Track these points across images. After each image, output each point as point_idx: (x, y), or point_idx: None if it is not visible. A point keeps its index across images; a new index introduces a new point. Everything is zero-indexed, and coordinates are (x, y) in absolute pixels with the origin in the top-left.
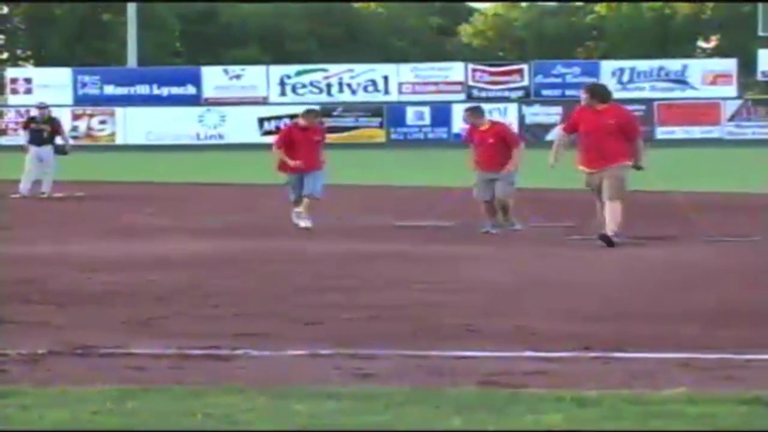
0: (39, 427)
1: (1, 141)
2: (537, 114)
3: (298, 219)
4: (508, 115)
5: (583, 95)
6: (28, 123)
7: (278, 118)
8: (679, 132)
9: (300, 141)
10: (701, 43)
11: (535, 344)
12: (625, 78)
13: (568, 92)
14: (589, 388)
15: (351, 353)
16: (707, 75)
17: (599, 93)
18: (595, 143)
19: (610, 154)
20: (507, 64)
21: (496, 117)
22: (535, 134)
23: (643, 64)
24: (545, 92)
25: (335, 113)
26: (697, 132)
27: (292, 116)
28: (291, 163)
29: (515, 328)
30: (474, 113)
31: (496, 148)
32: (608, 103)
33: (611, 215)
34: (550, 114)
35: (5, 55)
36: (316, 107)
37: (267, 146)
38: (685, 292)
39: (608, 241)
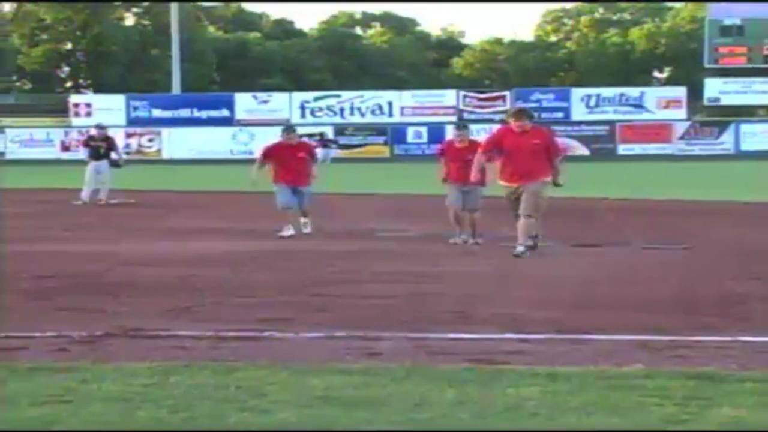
0: (96, 397)
1: (65, 156)
2: None
3: (303, 226)
4: None
5: (519, 120)
6: (88, 141)
7: (299, 137)
8: (637, 149)
9: (287, 157)
10: (656, 74)
11: (515, 328)
12: (592, 103)
13: (543, 115)
14: (561, 365)
15: (359, 335)
16: (661, 100)
17: (530, 115)
18: (521, 161)
19: (533, 171)
20: (492, 92)
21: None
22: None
23: (607, 91)
24: None
25: (347, 132)
26: (652, 148)
27: (310, 135)
28: (252, 176)
29: (498, 315)
30: (459, 128)
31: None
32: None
33: (524, 230)
34: None
35: (69, 84)
36: (292, 125)
37: None
38: (637, 285)
39: (518, 255)
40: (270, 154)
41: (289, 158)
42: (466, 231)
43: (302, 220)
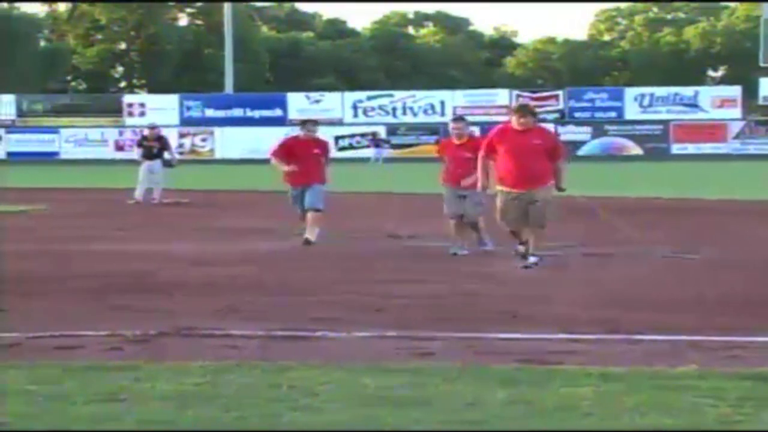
0: (151, 396)
1: (119, 155)
2: (570, 132)
3: (307, 232)
4: None
5: (523, 117)
6: (141, 141)
7: (351, 136)
8: (691, 148)
9: (300, 153)
10: (711, 73)
11: (566, 328)
12: (646, 102)
13: (596, 114)
14: (614, 365)
15: (411, 335)
16: (716, 100)
17: (533, 113)
18: (522, 162)
19: (537, 175)
20: (545, 91)
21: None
22: (568, 149)
23: (661, 90)
24: (577, 114)
25: (399, 132)
26: (707, 148)
27: (362, 135)
28: (285, 168)
29: (549, 315)
30: (457, 122)
31: (472, 163)
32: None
33: (536, 240)
34: (582, 132)
35: (123, 84)
36: (314, 118)
37: (342, 161)
38: (686, 285)
39: (528, 266)
40: (284, 148)
41: (304, 155)
42: (473, 240)
43: (308, 221)
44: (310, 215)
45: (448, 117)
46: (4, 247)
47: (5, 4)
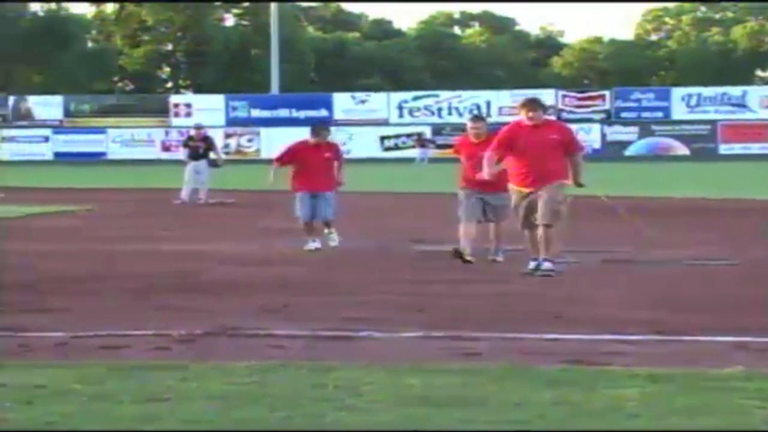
0: (196, 396)
1: (165, 156)
2: (616, 133)
3: (328, 238)
4: (592, 134)
5: (531, 111)
6: (187, 141)
7: (397, 136)
8: (738, 148)
9: (310, 159)
10: (759, 73)
11: (612, 328)
12: (693, 102)
13: (643, 115)
14: (660, 366)
15: (457, 335)
16: (764, 100)
17: (543, 106)
18: (536, 160)
19: (550, 172)
20: (591, 91)
21: (582, 136)
22: (614, 149)
23: (708, 90)
24: (624, 114)
25: (444, 132)
26: (755, 148)
27: (408, 135)
28: (270, 179)
29: (595, 315)
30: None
31: None
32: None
33: (546, 242)
34: (628, 132)
35: (170, 84)
36: (326, 125)
37: (388, 161)
38: (732, 286)
39: (547, 273)
40: (291, 154)
41: (313, 160)
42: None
43: (326, 230)
44: (324, 224)
45: (494, 117)
46: (51, 247)
47: (53, 5)
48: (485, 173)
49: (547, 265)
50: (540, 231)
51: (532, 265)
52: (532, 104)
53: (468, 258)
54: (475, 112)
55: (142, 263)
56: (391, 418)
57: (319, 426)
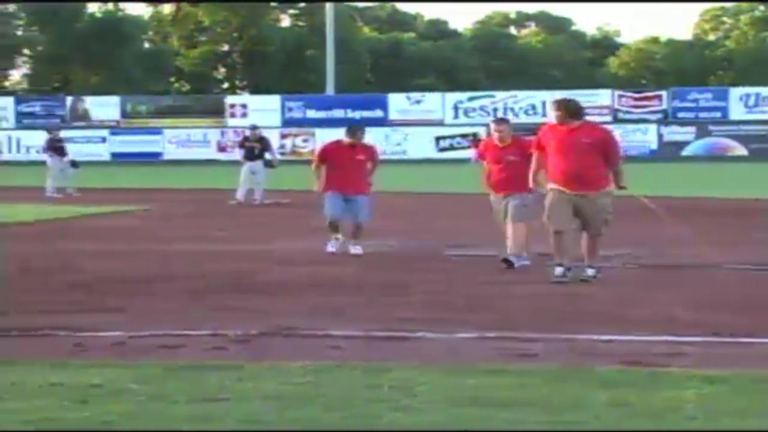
0: (252, 396)
1: (221, 156)
2: (674, 133)
3: (347, 246)
4: (648, 134)
5: (557, 112)
6: (243, 141)
7: (452, 137)
8: None
9: (343, 160)
10: None
11: (669, 330)
12: (751, 102)
13: (700, 115)
14: (718, 368)
15: (512, 336)
16: None
17: (570, 108)
18: (573, 162)
19: (591, 177)
20: (648, 91)
21: (639, 137)
22: (671, 150)
23: (767, 90)
24: (681, 115)
25: None
26: None
27: (463, 135)
28: (315, 188)
29: (651, 316)
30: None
31: (518, 167)
32: (582, 120)
33: (593, 250)
34: (685, 133)
35: (226, 85)
36: (361, 125)
37: (443, 161)
38: None
39: (586, 279)
40: (324, 155)
41: (346, 161)
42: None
43: (352, 240)
44: (352, 228)
45: (550, 117)
46: (108, 247)
47: (110, 5)
48: (531, 183)
49: (590, 271)
50: (585, 239)
51: (558, 271)
52: (556, 105)
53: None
54: (500, 115)
55: (198, 263)
56: (445, 419)
57: (374, 426)
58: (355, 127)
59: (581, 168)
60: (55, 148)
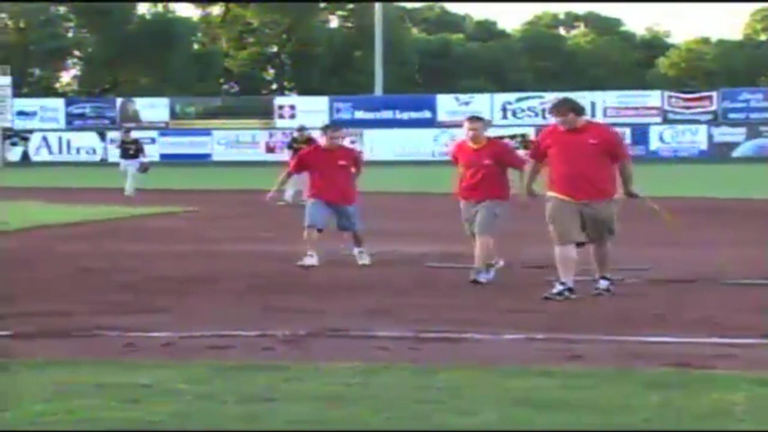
0: (298, 396)
1: (270, 157)
2: (724, 134)
3: (359, 257)
4: (698, 135)
5: (560, 114)
6: (292, 142)
7: (500, 138)
8: None
9: (322, 165)
10: None
11: (718, 331)
12: None
13: (751, 116)
14: None
15: (560, 338)
16: None
17: (575, 108)
18: (576, 166)
19: (595, 183)
20: (698, 92)
21: (689, 137)
22: (721, 151)
23: None
24: (731, 115)
25: None
26: None
27: (512, 136)
28: (273, 189)
29: (700, 318)
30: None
31: (493, 172)
32: (584, 119)
33: (601, 259)
34: (736, 134)
35: (274, 86)
36: (338, 122)
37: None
38: None
39: (601, 292)
40: (303, 161)
41: (327, 167)
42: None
43: (356, 249)
44: (353, 237)
45: (599, 118)
46: (157, 248)
47: (160, 7)
48: (522, 187)
49: (603, 282)
50: (594, 250)
51: (556, 288)
52: (559, 107)
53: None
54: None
55: (245, 264)
56: (494, 420)
57: (423, 427)
58: (331, 128)
59: (588, 172)
60: (123, 149)
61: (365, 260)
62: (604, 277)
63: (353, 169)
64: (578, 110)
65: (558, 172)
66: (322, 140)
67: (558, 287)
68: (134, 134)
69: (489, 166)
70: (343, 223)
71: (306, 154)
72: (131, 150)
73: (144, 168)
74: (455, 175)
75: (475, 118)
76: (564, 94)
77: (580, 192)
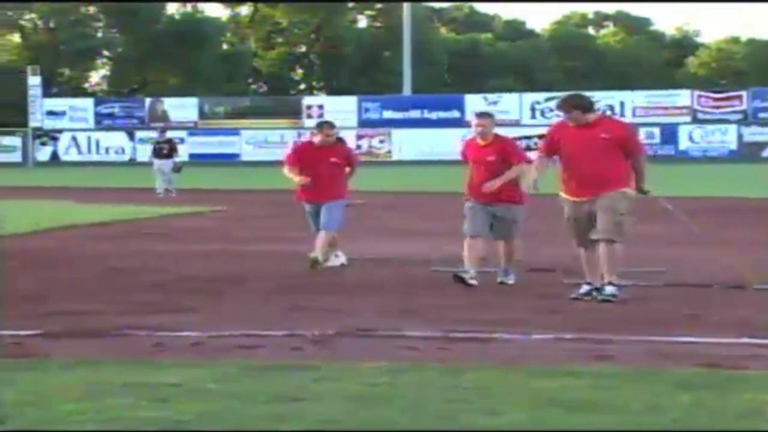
0: (329, 396)
1: None
2: (754, 134)
3: (335, 259)
4: (728, 135)
5: (566, 111)
6: None
7: (528, 137)
8: None
9: (313, 162)
10: None
11: (749, 332)
12: None
13: None
14: None
15: (589, 338)
16: None
17: (582, 104)
18: (586, 164)
19: (607, 178)
20: (728, 91)
21: (718, 137)
22: (751, 150)
23: None
24: (762, 115)
25: None
26: None
27: (540, 136)
28: (296, 179)
29: (731, 318)
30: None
31: (500, 170)
32: (594, 114)
33: (608, 262)
34: (766, 134)
35: (303, 86)
36: (330, 120)
37: None
38: None
39: (607, 299)
40: (292, 159)
41: (315, 164)
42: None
43: (319, 241)
44: (322, 235)
45: (629, 118)
46: (186, 248)
47: (189, 7)
48: (525, 184)
49: (609, 289)
50: (600, 248)
51: (584, 289)
52: (566, 104)
53: (471, 282)
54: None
55: (274, 264)
56: (523, 420)
57: (451, 427)
58: (325, 125)
59: (600, 168)
60: (155, 150)
61: (339, 259)
62: (610, 283)
63: (347, 168)
64: (585, 107)
65: (569, 171)
66: (315, 138)
67: (585, 288)
68: (168, 134)
69: (493, 162)
70: (325, 218)
71: (298, 148)
72: (165, 150)
73: (177, 168)
74: (465, 174)
75: (483, 114)
76: (593, 93)
77: (590, 189)
